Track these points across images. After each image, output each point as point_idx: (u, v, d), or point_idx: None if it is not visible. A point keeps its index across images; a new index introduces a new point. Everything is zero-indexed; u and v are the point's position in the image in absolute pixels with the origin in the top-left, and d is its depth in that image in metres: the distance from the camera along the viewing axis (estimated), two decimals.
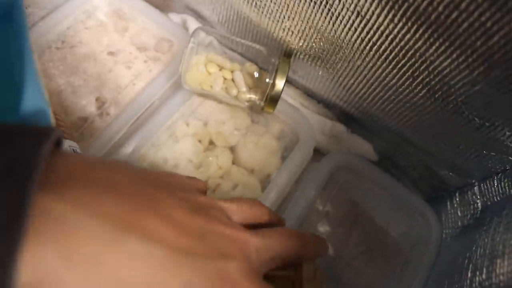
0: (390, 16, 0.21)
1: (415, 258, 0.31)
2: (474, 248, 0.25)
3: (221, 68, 0.32)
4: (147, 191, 0.14)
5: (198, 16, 0.35)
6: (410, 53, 0.23)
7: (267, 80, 0.29)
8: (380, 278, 0.30)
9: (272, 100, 0.29)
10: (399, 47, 0.23)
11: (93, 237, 0.11)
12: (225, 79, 0.32)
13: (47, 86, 0.27)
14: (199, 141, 0.32)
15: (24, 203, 0.09)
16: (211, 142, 0.33)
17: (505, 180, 0.27)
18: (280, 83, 0.29)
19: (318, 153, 0.35)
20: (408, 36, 0.22)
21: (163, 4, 0.37)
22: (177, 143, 0.31)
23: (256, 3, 0.28)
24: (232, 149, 0.33)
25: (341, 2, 0.23)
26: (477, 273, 0.23)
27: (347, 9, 0.23)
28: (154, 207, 0.13)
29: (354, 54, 0.26)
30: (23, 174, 0.10)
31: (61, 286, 0.10)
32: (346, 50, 0.26)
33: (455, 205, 0.32)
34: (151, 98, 0.32)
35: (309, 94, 0.35)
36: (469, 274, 0.24)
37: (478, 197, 0.29)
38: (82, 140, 0.30)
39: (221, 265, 0.13)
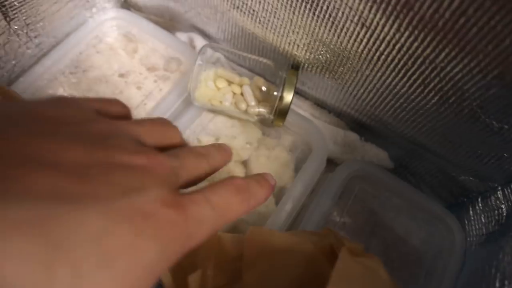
0: (395, 25, 0.21)
1: (439, 267, 0.30)
2: (501, 255, 0.24)
3: (230, 83, 0.32)
4: (20, 140, 0.11)
5: (204, 34, 0.36)
6: (419, 60, 0.22)
7: (275, 93, 0.29)
8: None
9: (281, 113, 0.29)
10: (407, 55, 0.22)
11: None
12: (234, 93, 0.32)
13: None
14: None
15: None
16: None
17: None
18: (288, 96, 0.29)
19: (332, 163, 0.34)
20: (415, 44, 0.21)
21: (170, 25, 0.37)
22: None
23: (260, 20, 0.28)
24: (244, 163, 0.33)
25: (345, 14, 0.22)
26: (506, 282, 0.22)
27: (351, 21, 0.22)
28: (35, 159, 0.11)
29: (361, 64, 0.25)
30: None
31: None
32: (353, 61, 0.26)
33: (478, 211, 0.30)
34: (162, 117, 0.32)
35: (320, 104, 0.35)
36: (497, 284, 0.23)
37: (502, 201, 0.28)
38: None
39: (136, 199, 0.11)
